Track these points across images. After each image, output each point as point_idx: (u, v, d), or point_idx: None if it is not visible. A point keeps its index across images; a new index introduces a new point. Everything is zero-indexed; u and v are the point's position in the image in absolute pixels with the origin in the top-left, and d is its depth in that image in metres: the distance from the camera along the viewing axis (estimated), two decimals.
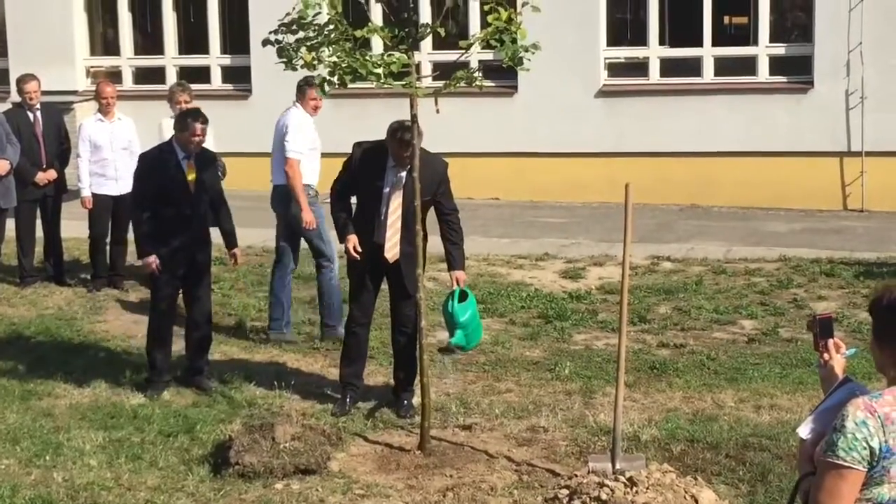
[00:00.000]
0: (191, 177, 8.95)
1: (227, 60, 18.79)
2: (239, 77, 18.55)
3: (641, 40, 17.35)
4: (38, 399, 8.86)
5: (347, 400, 8.64)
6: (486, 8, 7.68)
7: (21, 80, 12.26)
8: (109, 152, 11.91)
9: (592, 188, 16.81)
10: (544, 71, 16.86)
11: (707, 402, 8.74)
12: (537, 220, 15.85)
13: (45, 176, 12.07)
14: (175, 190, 8.87)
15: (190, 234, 8.92)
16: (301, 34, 7.63)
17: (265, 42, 7.69)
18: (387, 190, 8.42)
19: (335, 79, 7.57)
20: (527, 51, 7.67)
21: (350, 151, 8.58)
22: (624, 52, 17.62)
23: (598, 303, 11.46)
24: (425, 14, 16.64)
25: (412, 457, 7.78)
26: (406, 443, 8.00)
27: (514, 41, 7.70)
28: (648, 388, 9.05)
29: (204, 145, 10.70)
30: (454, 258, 8.58)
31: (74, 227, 12.75)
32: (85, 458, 7.74)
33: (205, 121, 8.99)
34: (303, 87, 10.37)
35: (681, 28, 17.55)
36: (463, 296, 8.43)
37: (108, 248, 12.18)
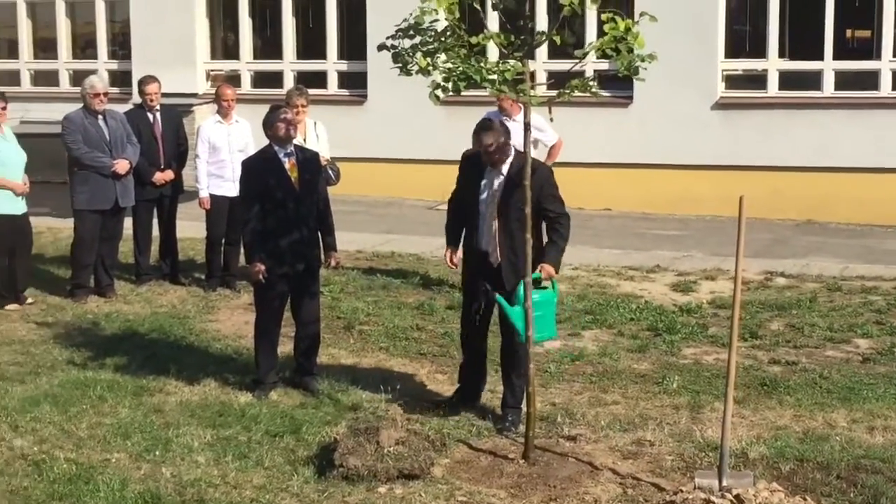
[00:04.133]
0: (294, 175, 8.97)
1: (343, 66, 18.94)
2: (355, 83, 18.68)
3: (760, 52, 17.12)
4: (149, 395, 8.99)
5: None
6: (604, 17, 7.61)
7: (142, 82, 12.50)
8: (227, 154, 12.08)
9: (706, 201, 16.62)
10: (660, 82, 16.73)
11: (818, 421, 8.55)
12: (649, 232, 15.70)
13: (163, 176, 12.28)
14: (280, 189, 8.88)
15: (298, 234, 8.94)
16: (417, 39, 7.64)
17: (381, 47, 7.71)
18: (483, 195, 8.40)
19: (449, 85, 7.55)
20: (643, 60, 7.56)
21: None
22: (742, 65, 17.39)
23: (708, 317, 11.30)
24: (541, 22, 16.62)
25: (516, 466, 7.73)
26: (510, 451, 7.95)
27: (630, 51, 7.61)
28: (758, 404, 8.88)
29: (316, 150, 10.88)
30: (548, 252, 8.38)
31: (190, 228, 12.96)
32: (193, 454, 7.83)
33: (285, 110, 9.15)
34: None
35: (801, 41, 17.28)
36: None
37: (222, 248, 12.33)
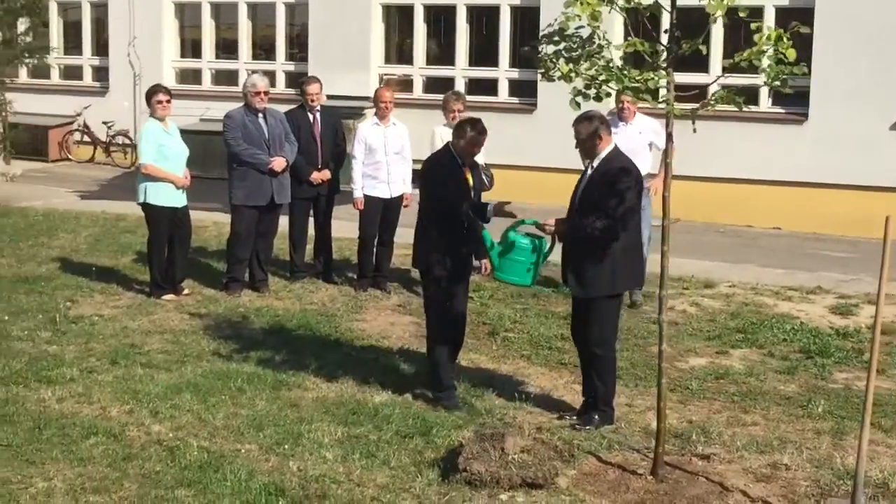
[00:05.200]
0: (470, 182, 8.96)
1: (514, 74, 18.96)
2: (525, 91, 18.68)
3: None
4: (287, 389, 9.13)
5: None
6: (754, 27, 7.42)
7: (304, 83, 12.72)
8: (383, 156, 12.19)
9: (881, 223, 16.04)
10: (837, 100, 16.40)
11: None
12: (818, 253, 15.28)
13: (320, 175, 12.46)
14: (460, 197, 8.81)
15: (471, 239, 8.90)
16: (562, 45, 7.58)
17: (525, 52, 7.68)
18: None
19: (591, 92, 7.48)
20: (792, 73, 7.32)
21: None
22: None
23: (866, 342, 10.91)
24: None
25: (643, 482, 7.59)
26: (640, 466, 7.82)
27: (780, 62, 7.39)
28: None
29: None
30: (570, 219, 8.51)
31: (344, 227, 13.12)
32: (322, 450, 7.92)
33: (484, 131, 8.97)
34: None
35: None
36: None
37: (375, 249, 12.46)
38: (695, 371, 9.97)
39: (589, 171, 8.51)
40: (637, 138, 11.92)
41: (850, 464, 7.84)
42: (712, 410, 9.02)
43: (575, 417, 8.65)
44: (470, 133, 8.90)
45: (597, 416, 8.59)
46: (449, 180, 8.82)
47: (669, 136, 7.65)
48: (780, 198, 16.89)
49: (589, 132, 8.40)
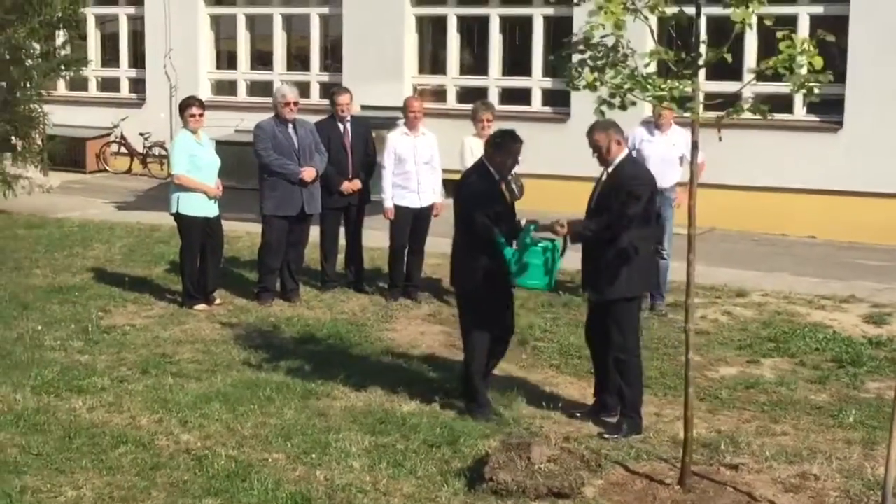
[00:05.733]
0: (506, 198, 8.87)
1: (548, 83, 18.95)
2: (559, 100, 18.65)
3: None
4: (316, 399, 9.16)
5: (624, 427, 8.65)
6: (780, 35, 7.38)
7: (335, 93, 12.76)
8: (412, 165, 12.21)
9: None
10: (872, 107, 16.29)
11: None
12: (853, 262, 15.17)
13: (351, 185, 12.50)
14: (499, 213, 8.73)
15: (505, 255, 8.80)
16: (587, 54, 7.57)
17: (551, 62, 7.68)
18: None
19: (616, 101, 7.46)
20: (818, 81, 7.27)
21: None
22: None
23: None
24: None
25: (671, 492, 7.57)
26: (667, 476, 7.78)
27: (810, 69, 7.33)
28: None
29: None
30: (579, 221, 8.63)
31: (376, 237, 13.15)
32: (349, 459, 7.94)
33: (519, 140, 8.91)
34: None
35: None
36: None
37: (405, 258, 12.48)
38: (725, 380, 9.93)
39: (603, 178, 8.65)
40: (670, 150, 11.90)
41: (880, 474, 7.76)
42: (742, 420, 8.98)
43: (583, 415, 8.82)
44: (503, 145, 8.84)
45: (625, 425, 8.60)
46: (484, 197, 8.72)
47: (695, 145, 7.62)
48: (815, 206, 16.79)
49: (604, 140, 8.56)
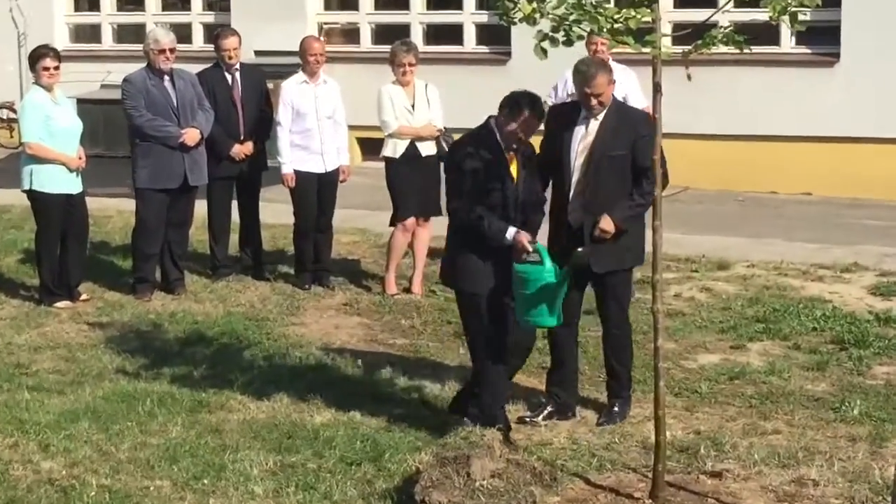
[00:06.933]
0: (514, 170, 8.52)
1: (482, 18, 18.97)
2: (497, 38, 18.68)
3: None
4: (208, 412, 9.16)
5: (544, 411, 8.89)
6: None
7: (219, 36, 12.71)
8: (314, 121, 12.21)
9: None
10: (873, 34, 16.44)
11: None
12: (857, 223, 15.39)
13: (242, 149, 12.48)
14: (498, 187, 8.44)
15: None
16: None
17: None
18: (575, 146, 8.76)
19: (560, 35, 7.49)
20: (802, 4, 7.34)
21: None
22: None
23: None
24: None
25: None
26: (637, 489, 7.83)
27: None
28: None
29: (427, 118, 10.96)
30: (619, 205, 8.73)
31: (276, 211, 13.12)
32: (249, 483, 7.95)
33: (544, 116, 8.58)
34: None
35: None
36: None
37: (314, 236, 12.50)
38: (705, 371, 10.04)
39: (591, 126, 8.72)
40: None
41: (890, 475, 7.89)
42: (725, 418, 9.08)
43: (537, 418, 8.92)
44: (525, 114, 8.44)
45: (616, 408, 8.96)
46: (484, 172, 8.42)
47: (657, 88, 7.66)
48: (810, 157, 16.93)
49: (607, 82, 8.69)
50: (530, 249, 8.29)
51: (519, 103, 8.52)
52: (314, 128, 12.19)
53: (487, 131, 8.57)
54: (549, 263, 8.29)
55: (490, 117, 8.65)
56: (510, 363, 8.79)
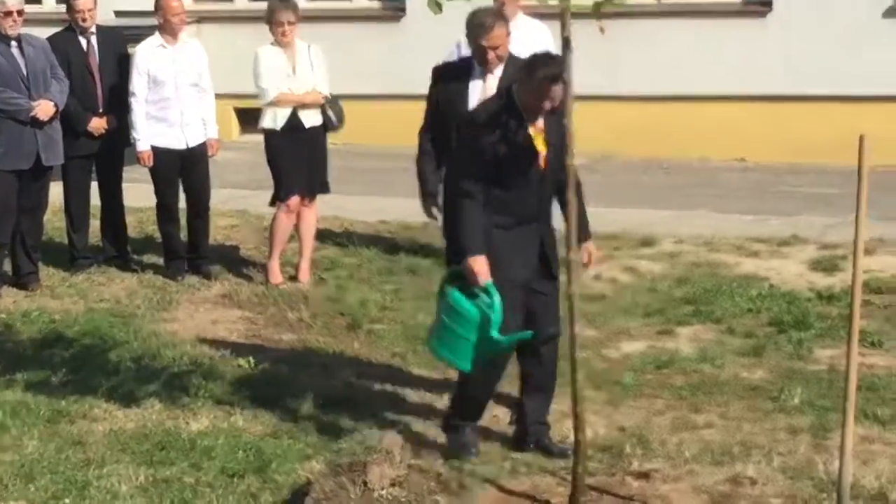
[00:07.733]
0: (540, 146, 8.15)
1: None
2: None
3: None
4: (69, 422, 9.11)
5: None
6: None
7: None
8: (173, 90, 12.20)
9: (880, 145, 16.29)
10: None
11: None
12: (796, 191, 15.63)
13: (101, 123, 12.42)
14: (517, 161, 8.14)
15: (538, 226, 8.39)
16: None
17: None
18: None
19: None
20: None
21: None
22: None
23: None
24: None
25: None
26: (555, 494, 7.91)
27: None
28: None
29: (310, 82, 10.96)
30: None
31: (143, 193, 13.05)
32: (117, 502, 7.91)
33: (558, 79, 7.90)
34: None
35: None
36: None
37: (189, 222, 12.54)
38: (629, 360, 10.16)
39: (490, 82, 8.95)
40: (521, 51, 11.99)
41: (834, 470, 8.00)
42: (652, 412, 9.18)
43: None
44: (538, 75, 8.02)
45: None
46: (500, 137, 8.08)
47: (567, 42, 7.70)
48: (743, 118, 17.11)
49: (508, 31, 8.93)
50: (480, 284, 7.96)
51: (533, 63, 8.12)
52: (173, 97, 12.16)
53: (508, 98, 8.17)
54: (499, 316, 7.95)
55: (512, 84, 8.26)
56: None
